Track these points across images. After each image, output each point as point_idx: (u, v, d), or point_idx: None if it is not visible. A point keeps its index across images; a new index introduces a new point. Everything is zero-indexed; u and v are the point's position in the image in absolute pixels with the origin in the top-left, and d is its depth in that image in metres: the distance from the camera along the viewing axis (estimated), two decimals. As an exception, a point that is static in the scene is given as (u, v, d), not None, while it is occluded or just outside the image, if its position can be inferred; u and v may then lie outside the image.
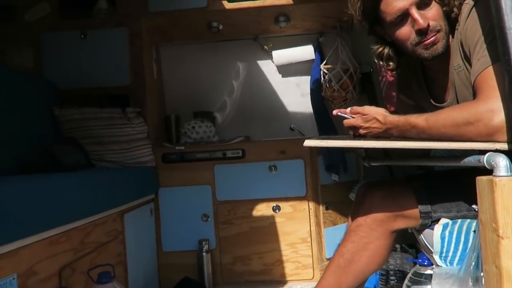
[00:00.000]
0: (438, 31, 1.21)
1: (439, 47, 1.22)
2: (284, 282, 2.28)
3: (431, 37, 1.21)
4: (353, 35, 2.64)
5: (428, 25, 1.19)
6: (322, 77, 2.56)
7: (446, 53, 1.25)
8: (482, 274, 0.94)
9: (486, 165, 0.95)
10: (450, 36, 1.25)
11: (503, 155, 0.94)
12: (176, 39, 2.72)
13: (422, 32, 1.20)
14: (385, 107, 1.37)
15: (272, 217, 2.30)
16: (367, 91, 2.57)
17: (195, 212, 2.33)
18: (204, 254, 2.23)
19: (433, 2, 1.21)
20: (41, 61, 2.39)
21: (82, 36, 2.40)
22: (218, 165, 2.34)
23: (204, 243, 2.24)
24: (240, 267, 2.31)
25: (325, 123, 2.48)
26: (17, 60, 2.40)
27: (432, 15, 1.20)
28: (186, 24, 2.53)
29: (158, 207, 2.32)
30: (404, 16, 1.21)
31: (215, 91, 2.83)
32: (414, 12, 1.19)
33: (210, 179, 2.33)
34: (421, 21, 1.18)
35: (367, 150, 1.49)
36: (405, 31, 1.23)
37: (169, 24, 2.52)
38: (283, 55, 2.74)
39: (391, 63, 1.38)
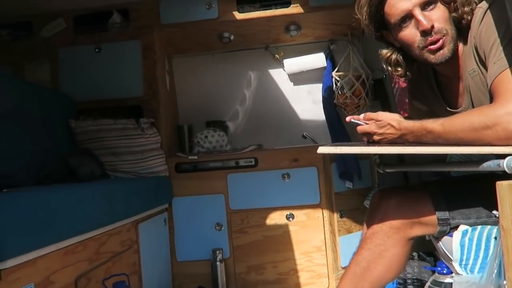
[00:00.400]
0: (444, 34, 1.19)
1: (446, 52, 1.20)
2: (299, 292, 2.26)
3: (436, 40, 1.19)
4: (364, 41, 2.63)
5: (432, 26, 1.18)
6: (334, 84, 2.55)
7: (455, 58, 1.24)
8: (505, 282, 0.91)
9: (506, 169, 0.93)
10: (459, 41, 1.23)
11: (523, 159, 0.91)
12: (188, 50, 2.75)
13: (426, 33, 1.19)
14: (399, 113, 1.35)
15: (286, 226, 2.29)
16: (380, 98, 2.55)
17: (208, 221, 2.33)
18: (218, 263, 2.22)
19: (438, 4, 1.19)
20: (57, 75, 2.45)
21: (97, 50, 2.46)
22: (231, 174, 2.34)
23: (217, 252, 2.24)
24: (254, 276, 2.30)
25: (338, 130, 2.47)
26: (35, 75, 2.46)
27: (436, 17, 1.19)
28: (197, 35, 2.56)
29: (172, 216, 2.33)
30: (408, 18, 1.21)
31: (227, 101, 2.85)
32: (418, 13, 1.18)
33: (223, 188, 2.33)
34: (424, 22, 1.17)
35: (381, 156, 1.47)
36: (410, 33, 1.22)
37: (181, 36, 2.55)
38: (294, 63, 2.75)
39: (399, 69, 1.37)
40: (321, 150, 1.19)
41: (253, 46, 2.77)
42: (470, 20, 1.20)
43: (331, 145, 1.28)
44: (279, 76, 2.84)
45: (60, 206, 1.27)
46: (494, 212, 0.93)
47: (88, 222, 1.43)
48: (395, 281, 1.74)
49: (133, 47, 2.44)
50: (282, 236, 2.29)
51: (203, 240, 2.31)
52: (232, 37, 2.62)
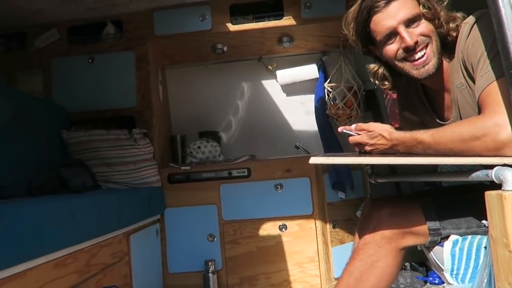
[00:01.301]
0: (428, 43, 1.22)
1: (430, 67, 1.23)
2: (293, 303, 2.24)
3: (419, 52, 1.22)
4: (356, 53, 2.67)
5: (416, 42, 1.21)
6: (326, 95, 2.58)
7: (440, 73, 1.26)
8: (495, 291, 0.92)
9: (494, 180, 0.94)
10: (444, 56, 1.26)
11: (511, 169, 0.93)
12: (182, 61, 2.77)
13: (409, 50, 1.22)
14: (391, 124, 1.37)
15: (279, 236, 2.29)
16: (371, 109, 2.58)
17: (201, 233, 2.32)
18: (210, 275, 2.21)
19: (423, 20, 1.22)
20: (50, 86, 2.45)
21: (90, 61, 2.46)
22: (224, 185, 2.34)
23: (210, 263, 2.22)
24: (247, 288, 2.28)
25: (330, 140, 2.49)
26: (27, 85, 2.46)
27: (420, 30, 1.21)
28: (191, 46, 2.58)
29: (164, 227, 2.32)
30: (393, 35, 1.23)
31: (220, 111, 2.86)
32: (402, 31, 1.21)
33: (216, 199, 2.33)
34: (408, 38, 1.20)
35: (373, 166, 1.49)
36: (392, 49, 1.25)
37: (175, 47, 2.57)
38: (287, 75, 2.77)
39: (386, 83, 1.40)
40: (313, 160, 1.19)
41: (246, 57, 2.80)
42: (456, 36, 1.22)
43: (323, 156, 1.29)
44: (272, 87, 2.86)
45: (51, 217, 1.25)
46: (484, 221, 0.94)
47: (79, 234, 1.41)
48: (388, 291, 1.74)
49: (126, 58, 2.44)
50: (275, 247, 2.28)
51: (196, 251, 2.30)
52: (225, 49, 2.64)
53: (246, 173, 2.34)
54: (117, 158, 2.22)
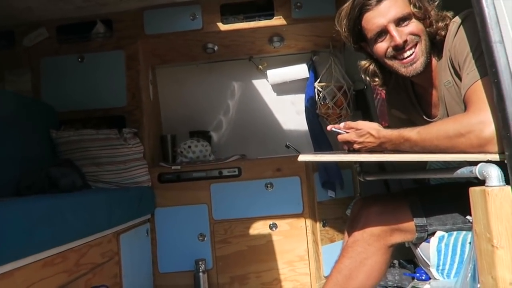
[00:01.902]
0: (417, 42, 1.24)
1: (418, 66, 1.25)
2: (283, 301, 2.25)
3: (407, 52, 1.24)
4: (346, 53, 2.69)
5: (405, 41, 1.23)
6: (316, 94, 2.59)
7: (429, 71, 1.28)
8: (478, 285, 0.94)
9: (478, 176, 0.96)
10: (433, 55, 1.28)
11: (494, 165, 0.95)
12: (172, 61, 2.76)
13: (399, 48, 1.24)
14: (380, 123, 1.38)
15: (269, 235, 2.29)
16: (361, 108, 2.60)
17: (191, 232, 2.32)
18: (200, 274, 2.20)
19: (413, 19, 1.24)
20: (39, 85, 2.43)
21: (79, 60, 2.44)
22: (215, 184, 2.34)
23: (200, 263, 2.22)
24: (238, 287, 2.29)
25: (321, 140, 2.50)
26: (16, 85, 2.43)
27: (410, 29, 1.24)
28: (182, 46, 2.58)
29: (154, 227, 2.31)
30: (383, 33, 1.26)
31: (211, 111, 2.86)
32: (392, 29, 1.23)
33: (207, 198, 2.33)
34: (397, 38, 1.22)
35: (362, 164, 1.50)
36: (382, 47, 1.27)
37: (165, 46, 2.56)
38: (277, 74, 2.78)
39: (376, 79, 1.42)
40: (302, 158, 1.21)
41: (237, 56, 2.80)
42: (445, 36, 1.24)
43: (312, 154, 1.30)
44: (263, 86, 2.87)
45: (39, 217, 1.25)
46: (468, 217, 0.96)
47: (68, 233, 1.41)
48: (376, 288, 1.76)
49: (116, 57, 2.43)
50: (265, 246, 2.29)
51: (186, 251, 2.29)
52: (216, 48, 2.64)
53: (236, 173, 2.35)
54: (107, 158, 2.21)
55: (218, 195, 2.33)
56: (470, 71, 1.13)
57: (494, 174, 0.93)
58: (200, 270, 2.21)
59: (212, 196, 2.33)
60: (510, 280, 0.84)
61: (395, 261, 1.74)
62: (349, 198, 2.38)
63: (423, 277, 1.30)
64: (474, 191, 0.95)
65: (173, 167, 2.37)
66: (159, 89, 2.82)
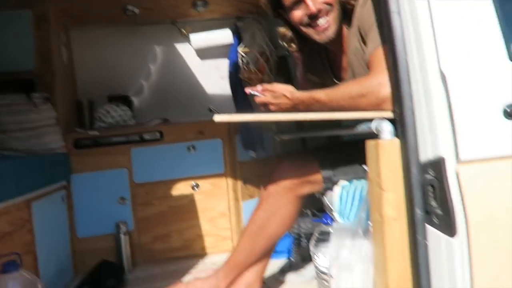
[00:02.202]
0: (329, 10, 1.35)
1: (330, 33, 1.37)
2: (204, 254, 2.35)
3: (320, 20, 1.35)
4: (270, 19, 2.74)
5: (320, 10, 1.33)
6: (240, 60, 2.64)
7: (340, 38, 1.41)
8: (370, 223, 1.10)
9: (374, 131, 1.10)
10: (344, 23, 1.40)
11: (387, 121, 1.09)
12: (89, 23, 2.59)
13: (313, 16, 1.35)
14: (300, 88, 1.48)
15: (192, 195, 2.35)
16: (283, 74, 2.70)
17: (111, 196, 2.28)
18: (122, 235, 2.20)
19: None
20: None
21: (-21, 18, 2.19)
22: (135, 148, 2.31)
23: (121, 225, 2.21)
24: (160, 245, 2.33)
25: (243, 104, 2.56)
26: None
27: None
28: (99, 7, 2.40)
29: (71, 193, 2.23)
30: (299, 1, 1.35)
31: (131, 75, 2.76)
32: None
33: (127, 163, 2.30)
34: (312, 6, 1.33)
35: (278, 125, 1.61)
36: (298, 15, 1.37)
37: (80, 7, 2.37)
38: (201, 39, 2.76)
39: (293, 45, 1.53)
40: (218, 118, 1.25)
41: (160, 21, 2.71)
42: (354, 6, 1.36)
43: (227, 114, 1.37)
44: (186, 51, 2.83)
45: None
46: (364, 166, 1.10)
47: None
48: (291, 236, 1.93)
49: (23, 17, 2.21)
50: (187, 206, 2.34)
51: (106, 215, 2.25)
52: (136, 10, 2.52)
53: (158, 136, 2.34)
54: (14, 124, 2.05)
55: (139, 159, 2.31)
56: (373, 38, 1.26)
57: (386, 128, 1.06)
58: (121, 232, 2.20)
59: (132, 160, 2.30)
60: (393, 216, 1.00)
61: (308, 211, 1.91)
62: (270, 158, 2.50)
63: (329, 222, 1.47)
64: (369, 143, 1.09)
65: (90, 133, 2.29)
66: (75, 52, 2.64)
